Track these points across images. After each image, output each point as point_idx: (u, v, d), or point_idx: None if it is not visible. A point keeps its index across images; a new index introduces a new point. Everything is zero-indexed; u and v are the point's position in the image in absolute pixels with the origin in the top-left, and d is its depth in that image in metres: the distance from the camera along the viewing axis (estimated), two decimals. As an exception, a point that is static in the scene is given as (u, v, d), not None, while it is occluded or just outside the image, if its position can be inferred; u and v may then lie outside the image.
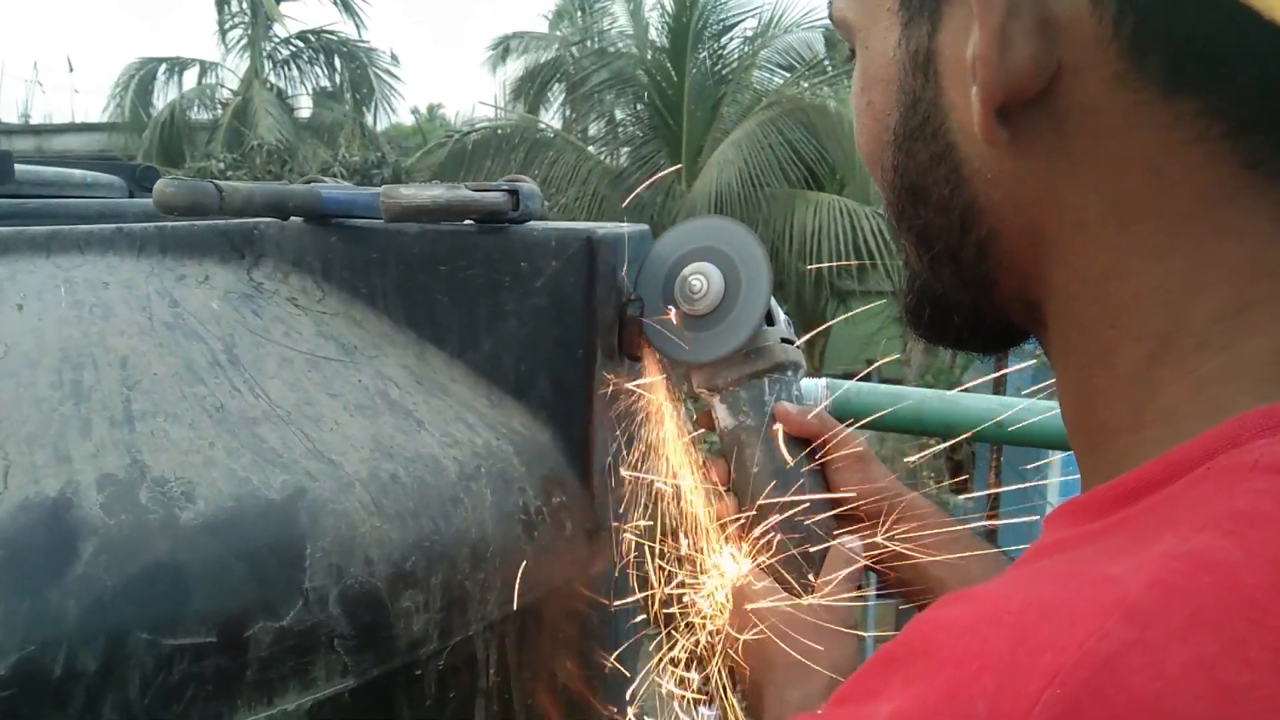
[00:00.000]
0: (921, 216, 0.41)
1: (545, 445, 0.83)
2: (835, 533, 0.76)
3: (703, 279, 0.78)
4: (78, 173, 1.23)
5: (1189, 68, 0.32)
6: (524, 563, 0.75)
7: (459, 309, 0.83)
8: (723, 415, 0.80)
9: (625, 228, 0.88)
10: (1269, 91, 0.32)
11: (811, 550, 0.75)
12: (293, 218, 0.85)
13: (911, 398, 1.06)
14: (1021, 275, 0.39)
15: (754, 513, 0.77)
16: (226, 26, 13.81)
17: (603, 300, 0.82)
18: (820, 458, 0.77)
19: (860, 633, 0.70)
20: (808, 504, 0.77)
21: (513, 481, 0.77)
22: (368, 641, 0.64)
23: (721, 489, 0.80)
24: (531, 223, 0.84)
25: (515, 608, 0.74)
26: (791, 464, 0.77)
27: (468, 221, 0.83)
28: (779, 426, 0.76)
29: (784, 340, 0.79)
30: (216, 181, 0.74)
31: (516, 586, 0.73)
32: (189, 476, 0.62)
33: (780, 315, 0.79)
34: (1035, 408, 1.00)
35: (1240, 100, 0.32)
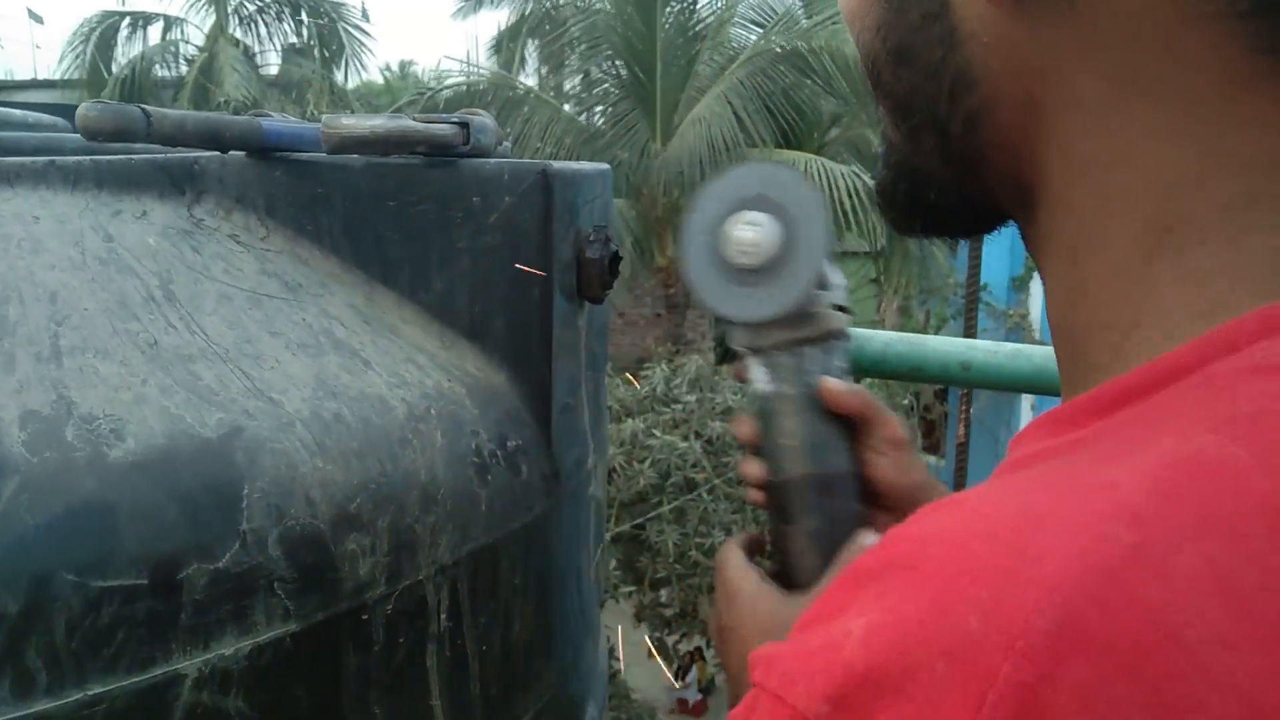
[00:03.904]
0: (903, 81, 0.37)
1: (501, 387, 0.81)
2: (862, 520, 0.69)
3: (756, 230, 0.69)
4: (18, 112, 1.18)
5: None
6: (477, 506, 0.73)
7: (409, 246, 0.80)
8: (760, 378, 0.71)
9: (584, 165, 0.85)
10: None
11: (835, 536, 0.69)
12: (236, 152, 0.82)
13: (877, 340, 1.04)
14: (1014, 153, 0.35)
15: (778, 483, 0.71)
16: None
17: (560, 238, 0.79)
18: (859, 439, 0.71)
19: None
20: (837, 486, 0.69)
21: (465, 424, 0.75)
22: (310, 584, 0.62)
23: (748, 450, 0.73)
24: (486, 158, 0.81)
25: (467, 551, 0.72)
26: (828, 442, 0.70)
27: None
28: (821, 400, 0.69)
29: (836, 308, 0.72)
30: (144, 105, 0.70)
31: (468, 530, 0.71)
32: (119, 414, 0.59)
33: (834, 279, 0.73)
34: (1001, 350, 0.98)
35: None
